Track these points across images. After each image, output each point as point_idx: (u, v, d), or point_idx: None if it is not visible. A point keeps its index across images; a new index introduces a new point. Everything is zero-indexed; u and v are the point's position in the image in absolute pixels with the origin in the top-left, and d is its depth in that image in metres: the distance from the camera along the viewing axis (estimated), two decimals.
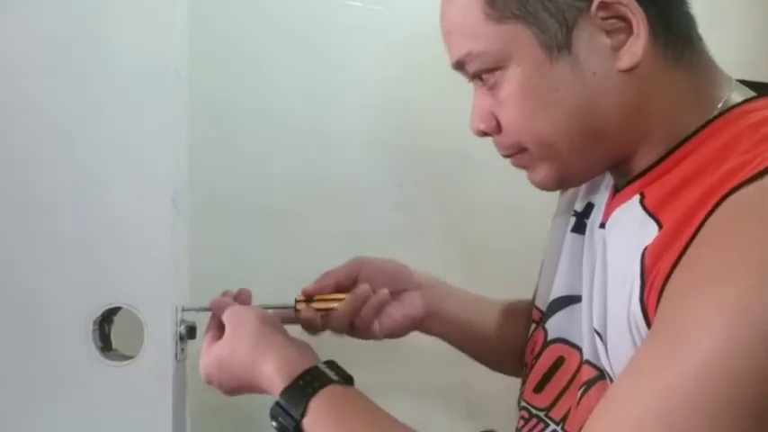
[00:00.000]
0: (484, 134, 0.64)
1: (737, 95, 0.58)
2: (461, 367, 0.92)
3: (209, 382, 0.70)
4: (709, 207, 0.49)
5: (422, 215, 1.16)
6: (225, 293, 0.76)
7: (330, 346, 0.81)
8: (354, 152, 1.10)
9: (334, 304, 0.77)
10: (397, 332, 0.81)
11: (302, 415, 0.61)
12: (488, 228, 1.19)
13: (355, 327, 0.78)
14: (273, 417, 0.63)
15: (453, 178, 1.19)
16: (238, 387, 0.69)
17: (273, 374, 0.64)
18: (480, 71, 0.60)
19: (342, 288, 0.79)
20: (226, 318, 0.70)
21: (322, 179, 1.07)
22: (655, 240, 0.53)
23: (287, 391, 0.63)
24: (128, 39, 0.67)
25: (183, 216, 0.70)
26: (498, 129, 0.62)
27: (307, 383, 0.63)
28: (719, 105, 0.57)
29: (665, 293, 0.50)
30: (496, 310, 0.88)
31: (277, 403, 0.63)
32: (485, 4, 0.58)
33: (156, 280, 0.68)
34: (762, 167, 0.49)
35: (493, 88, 0.60)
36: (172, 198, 0.67)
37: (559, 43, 0.56)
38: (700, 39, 0.60)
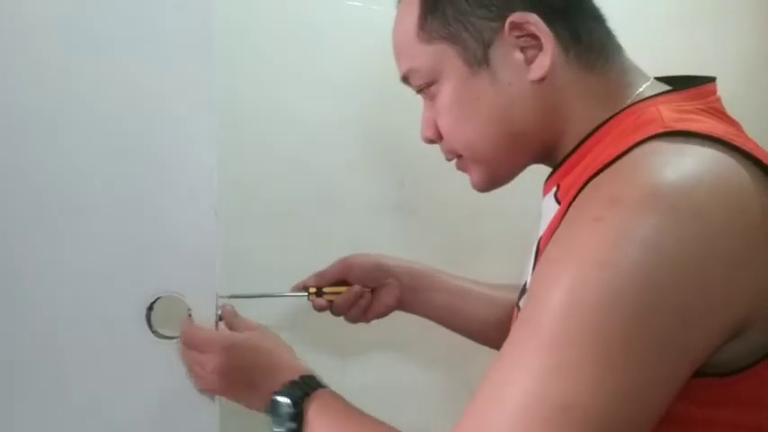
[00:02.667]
0: (431, 141, 0.74)
1: (649, 92, 0.64)
2: (464, 369, 0.93)
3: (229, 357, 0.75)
4: (574, 192, 0.57)
5: (422, 215, 1.16)
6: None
7: (334, 348, 0.82)
8: (355, 152, 1.10)
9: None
10: (379, 316, 0.94)
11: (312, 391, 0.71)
12: (488, 228, 1.19)
13: (348, 316, 0.93)
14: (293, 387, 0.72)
15: (453, 178, 1.19)
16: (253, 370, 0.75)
17: (294, 365, 0.75)
18: (420, 85, 0.70)
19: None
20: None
21: (322, 179, 1.07)
22: (548, 226, 0.61)
23: (303, 377, 0.72)
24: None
25: (220, 220, 0.81)
26: (441, 136, 0.72)
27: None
28: (628, 102, 0.64)
29: (536, 268, 0.57)
30: (485, 295, 0.96)
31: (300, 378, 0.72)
32: (417, 28, 0.68)
33: (199, 273, 0.81)
34: (611, 157, 0.55)
35: (433, 99, 0.70)
36: (213, 206, 0.79)
37: (479, 59, 0.65)
38: (617, 48, 0.67)
